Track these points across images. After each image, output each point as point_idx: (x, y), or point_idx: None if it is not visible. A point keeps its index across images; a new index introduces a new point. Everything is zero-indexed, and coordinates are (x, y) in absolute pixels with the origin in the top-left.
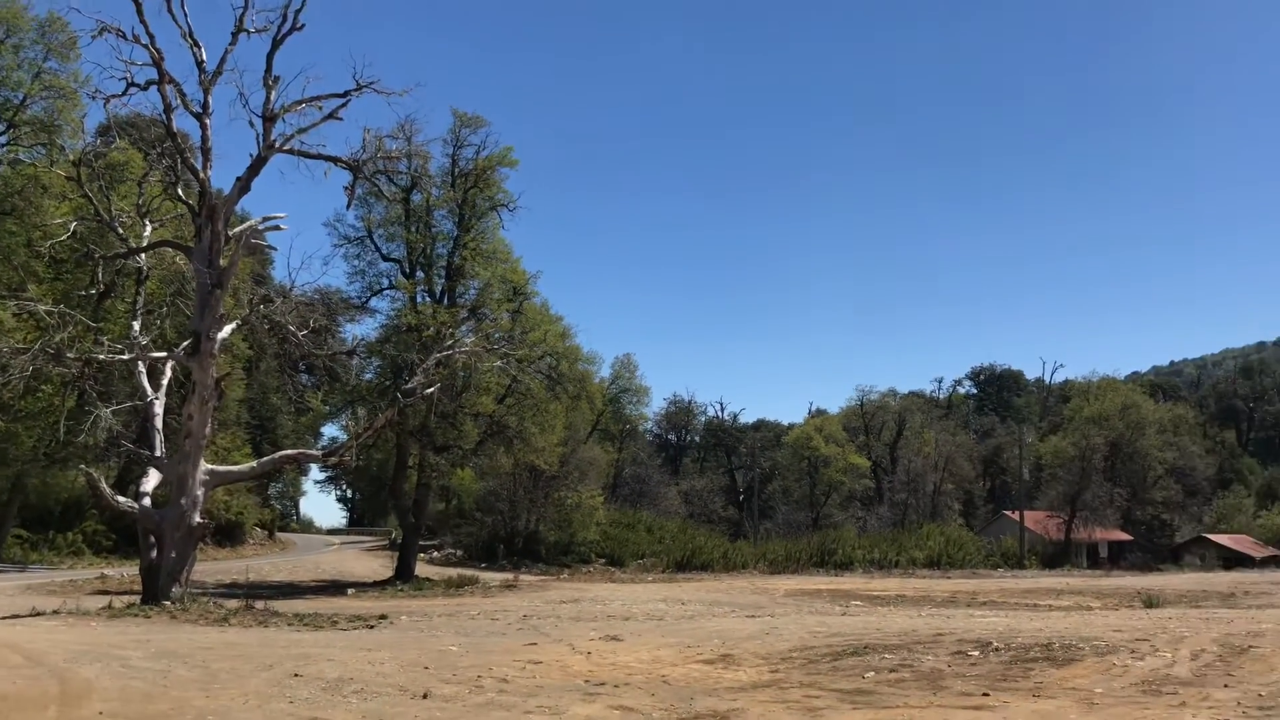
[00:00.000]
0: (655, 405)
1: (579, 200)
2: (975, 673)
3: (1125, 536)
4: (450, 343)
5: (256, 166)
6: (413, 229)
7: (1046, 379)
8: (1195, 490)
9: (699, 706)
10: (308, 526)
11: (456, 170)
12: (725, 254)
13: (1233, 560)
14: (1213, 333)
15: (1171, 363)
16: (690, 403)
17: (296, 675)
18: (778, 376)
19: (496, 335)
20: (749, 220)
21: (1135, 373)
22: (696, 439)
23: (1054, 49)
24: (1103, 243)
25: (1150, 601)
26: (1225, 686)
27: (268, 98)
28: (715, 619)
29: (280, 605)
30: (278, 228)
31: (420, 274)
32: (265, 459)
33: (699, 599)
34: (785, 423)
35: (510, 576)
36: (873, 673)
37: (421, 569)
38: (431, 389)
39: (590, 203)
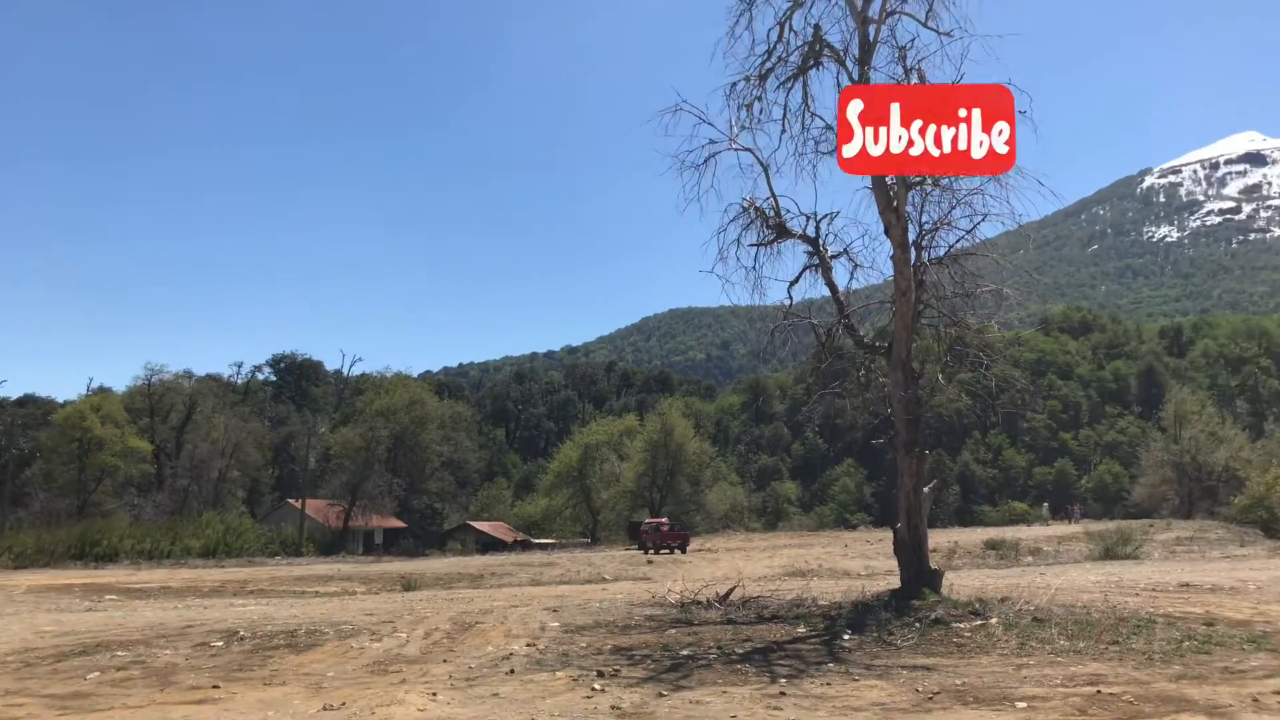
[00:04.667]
0: None
1: None
2: (213, 664)
3: (400, 524)
4: None
5: None
6: None
7: (345, 371)
8: (466, 481)
9: None
10: None
11: None
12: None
13: (489, 544)
14: (497, 340)
15: (460, 364)
16: None
17: None
18: (57, 350)
19: None
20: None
21: (428, 371)
22: None
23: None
24: (419, 250)
25: (409, 585)
26: (444, 661)
27: None
28: None
29: None
30: None
31: None
32: None
33: None
34: (60, 400)
35: None
36: (98, 673)
37: None
38: None
39: None
